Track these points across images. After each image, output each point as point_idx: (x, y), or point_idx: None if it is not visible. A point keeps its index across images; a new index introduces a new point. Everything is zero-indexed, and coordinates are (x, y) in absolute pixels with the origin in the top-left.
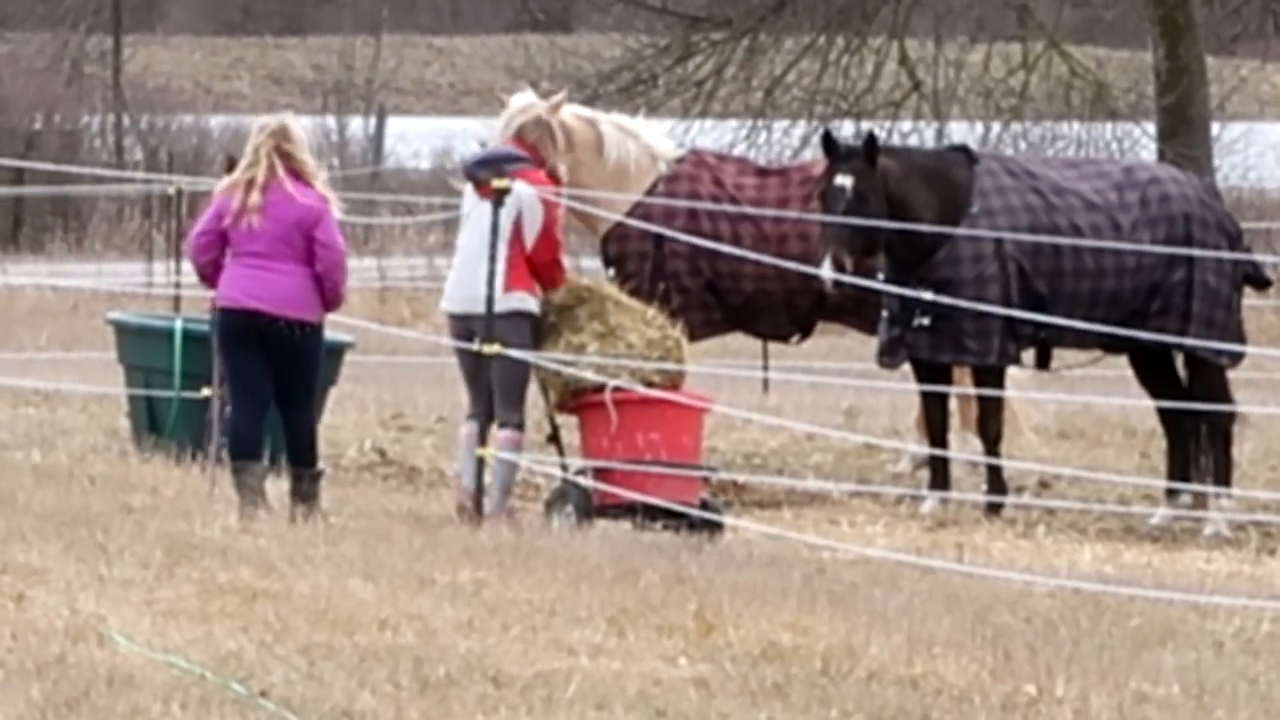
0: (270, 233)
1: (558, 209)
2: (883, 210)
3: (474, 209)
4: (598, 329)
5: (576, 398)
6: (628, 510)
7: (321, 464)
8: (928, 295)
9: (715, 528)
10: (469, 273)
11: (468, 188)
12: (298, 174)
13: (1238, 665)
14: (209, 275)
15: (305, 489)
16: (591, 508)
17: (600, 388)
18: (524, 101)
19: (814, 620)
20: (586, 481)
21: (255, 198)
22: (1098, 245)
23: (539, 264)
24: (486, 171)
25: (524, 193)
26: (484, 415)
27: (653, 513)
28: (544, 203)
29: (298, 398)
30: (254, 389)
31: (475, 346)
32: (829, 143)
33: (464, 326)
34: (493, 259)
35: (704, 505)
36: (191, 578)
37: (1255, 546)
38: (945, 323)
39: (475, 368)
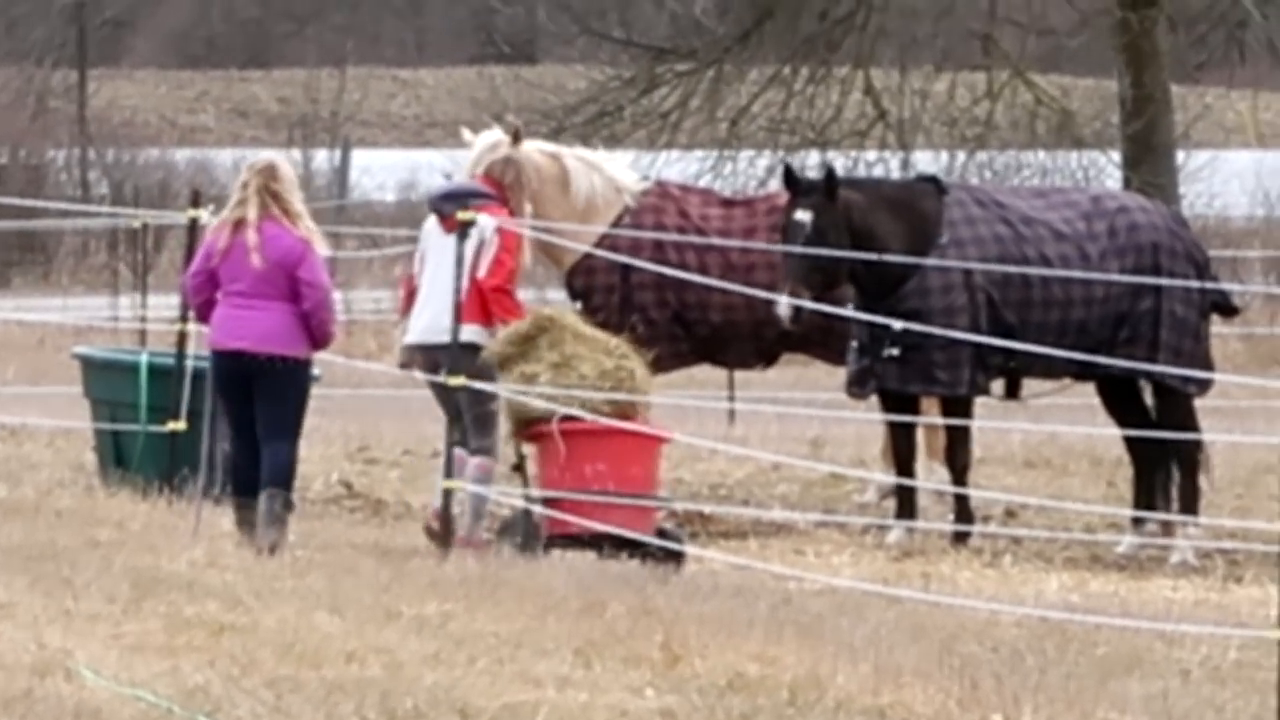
0: (254, 272)
1: (514, 238)
2: (844, 243)
3: (436, 242)
4: (553, 359)
5: (529, 427)
6: (579, 540)
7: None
8: (897, 324)
9: (676, 557)
10: (431, 305)
11: (429, 221)
12: (285, 214)
13: (1204, 694)
14: (205, 315)
15: (275, 511)
16: (537, 538)
17: (550, 417)
18: (492, 139)
19: (780, 650)
20: (539, 510)
21: (253, 237)
22: (1067, 275)
23: (487, 290)
24: (451, 205)
25: (487, 225)
26: (460, 443)
27: (614, 542)
28: (500, 231)
29: (279, 432)
30: (248, 428)
31: (441, 378)
32: (789, 177)
33: (429, 358)
34: (456, 291)
35: (663, 534)
36: (158, 611)
37: (1221, 574)
38: (915, 353)
39: (445, 398)
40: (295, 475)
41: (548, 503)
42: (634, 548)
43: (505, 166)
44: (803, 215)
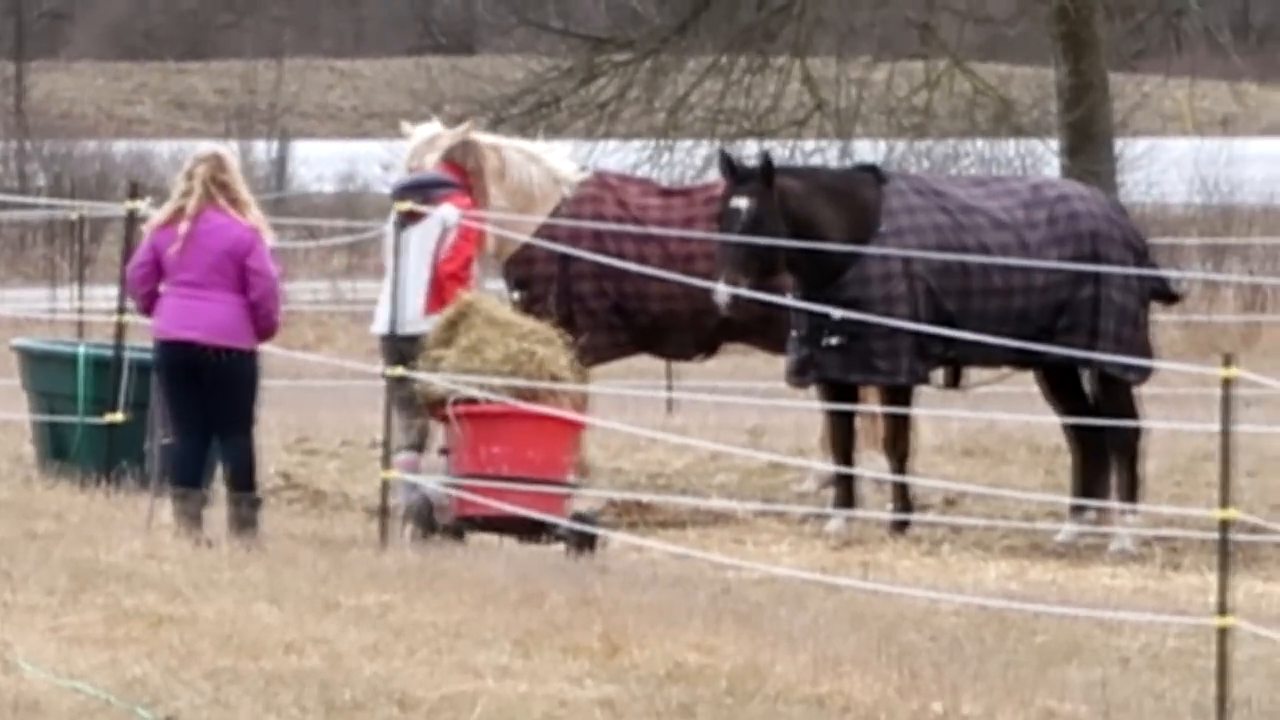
0: (203, 261)
1: (475, 231)
2: (781, 231)
3: (401, 234)
4: (463, 343)
5: (434, 409)
6: (488, 523)
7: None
8: (837, 313)
9: (589, 542)
10: (394, 295)
11: (392, 213)
12: (232, 203)
13: (1143, 681)
14: (148, 306)
15: (244, 515)
16: (432, 521)
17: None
18: (430, 131)
19: (720, 640)
20: (440, 492)
21: (184, 226)
22: (1006, 263)
23: (443, 276)
24: (413, 196)
25: (449, 216)
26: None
27: (526, 526)
28: (464, 225)
29: (234, 425)
30: (193, 419)
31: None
32: (727, 164)
33: (392, 349)
34: (396, 282)
35: (580, 519)
36: (97, 603)
37: (1160, 562)
38: (854, 342)
39: (396, 392)
40: (256, 471)
41: (467, 484)
42: (547, 531)
43: (465, 151)
44: (740, 202)
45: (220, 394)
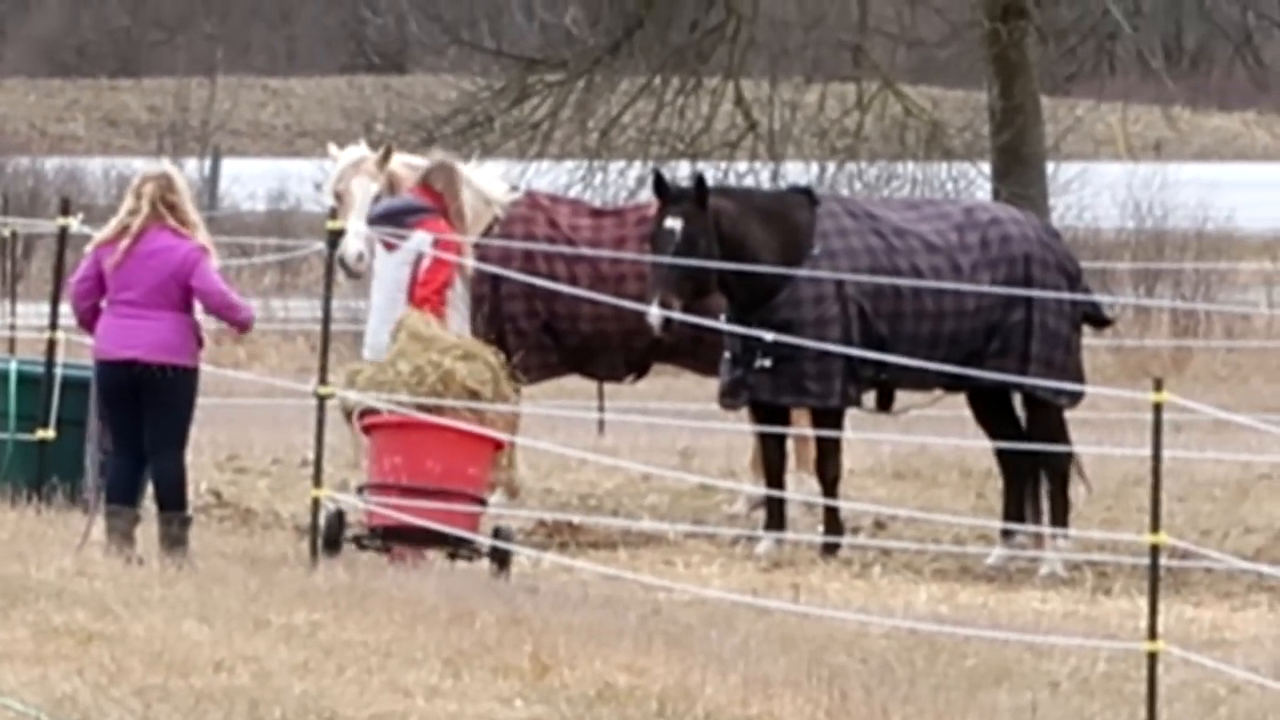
0: (146, 282)
1: (448, 249)
2: (714, 252)
3: (380, 262)
4: (384, 357)
5: (356, 420)
6: (397, 534)
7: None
8: (768, 335)
9: (503, 559)
10: (380, 323)
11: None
12: (182, 223)
13: (1073, 705)
14: (89, 322)
15: (175, 533)
16: (340, 535)
17: (367, 411)
18: (356, 154)
19: (650, 661)
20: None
21: (125, 242)
22: (938, 287)
23: (418, 301)
24: (388, 225)
25: (423, 242)
26: None
27: (435, 539)
28: (439, 244)
29: (167, 441)
30: (131, 437)
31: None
32: (660, 184)
33: None
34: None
35: (498, 534)
36: (26, 620)
37: (1091, 586)
38: (786, 364)
39: None
40: (187, 489)
41: (372, 495)
42: (458, 545)
43: (438, 173)
44: (672, 223)
45: (158, 410)
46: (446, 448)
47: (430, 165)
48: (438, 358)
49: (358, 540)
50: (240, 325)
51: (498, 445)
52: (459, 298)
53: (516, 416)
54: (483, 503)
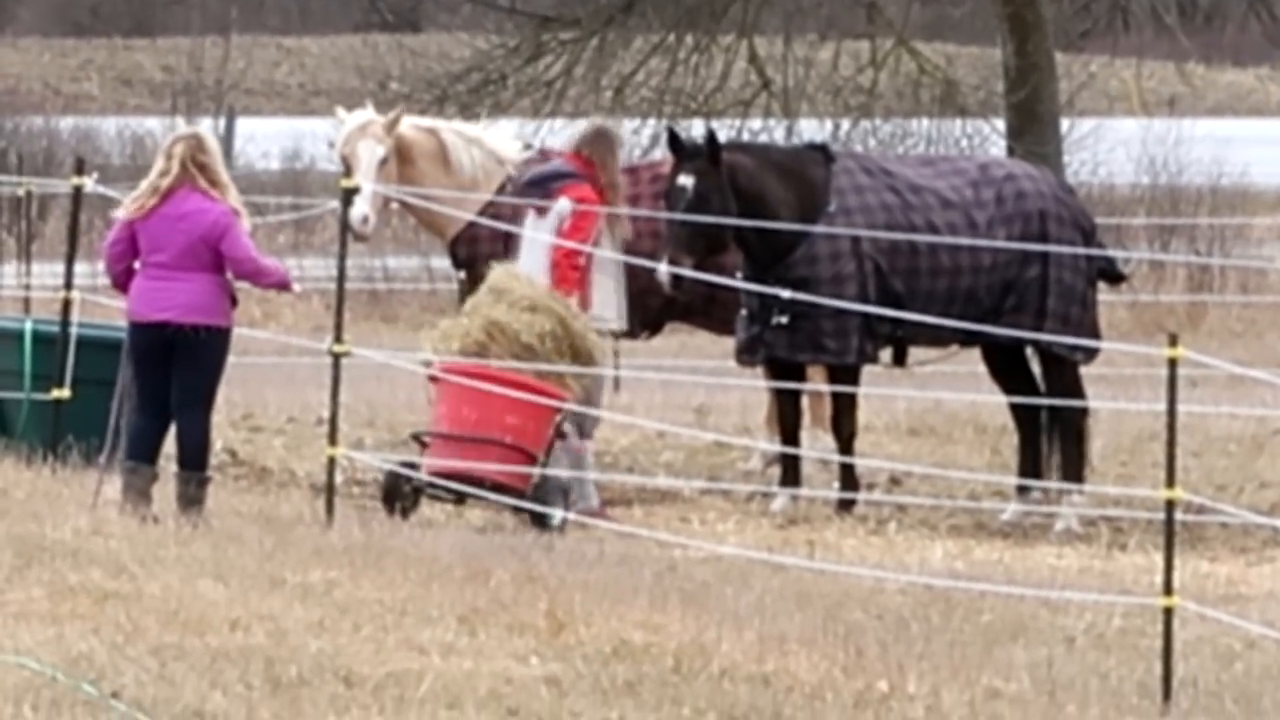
0: (177, 244)
1: (588, 216)
2: (728, 209)
3: (529, 228)
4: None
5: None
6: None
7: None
8: (784, 293)
9: (539, 519)
10: None
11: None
12: (212, 184)
13: (1089, 660)
14: (123, 284)
15: (193, 493)
16: (398, 492)
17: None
18: (363, 117)
19: (665, 618)
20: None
21: (152, 200)
22: (954, 243)
23: (558, 261)
24: (535, 192)
25: (564, 209)
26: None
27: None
28: (577, 213)
29: (195, 400)
30: (158, 400)
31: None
32: (674, 141)
33: None
34: (339, 277)
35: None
36: (42, 579)
37: (1106, 542)
38: (803, 321)
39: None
40: (209, 450)
41: (430, 447)
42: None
43: (592, 140)
44: (685, 180)
45: (188, 369)
46: (481, 396)
47: (585, 131)
48: (499, 310)
49: (416, 489)
50: (275, 288)
51: (553, 397)
52: (610, 263)
53: (590, 378)
54: (531, 456)
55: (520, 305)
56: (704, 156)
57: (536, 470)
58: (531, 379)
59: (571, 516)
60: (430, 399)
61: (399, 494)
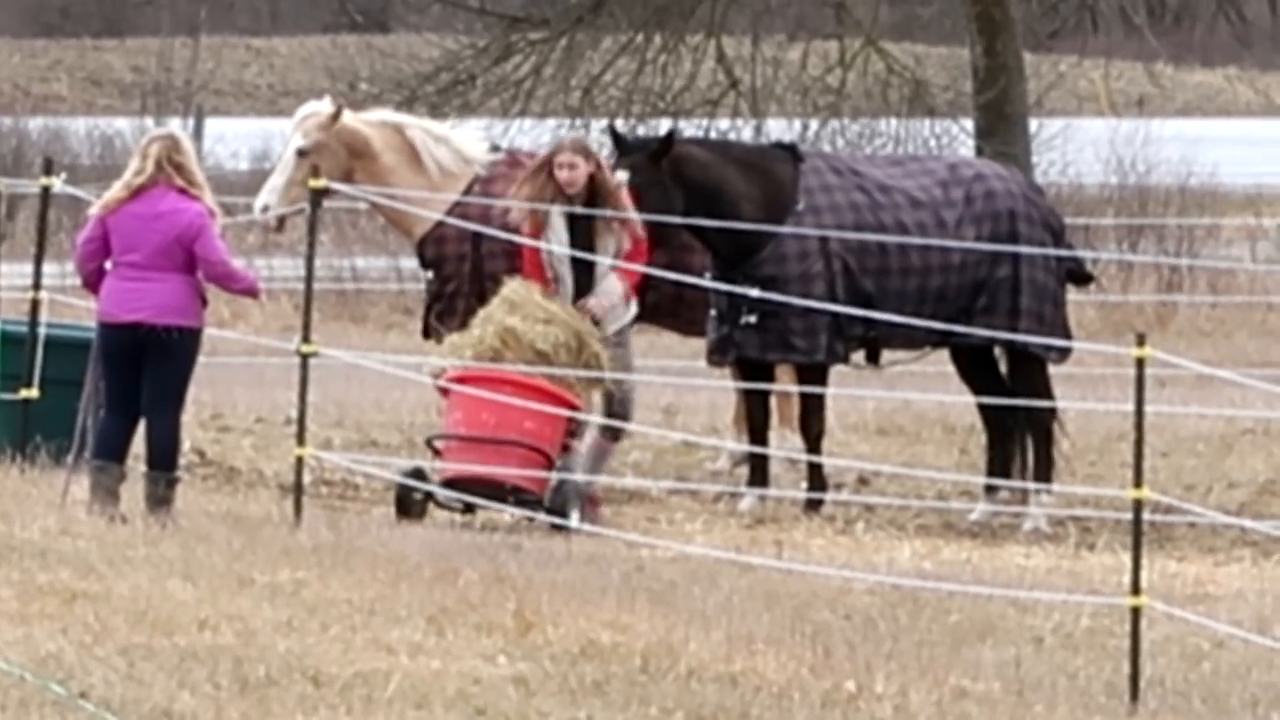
0: (153, 244)
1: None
2: (670, 203)
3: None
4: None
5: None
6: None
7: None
8: (753, 292)
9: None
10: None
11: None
12: (189, 184)
13: (1057, 660)
14: (94, 284)
15: (161, 493)
16: (411, 498)
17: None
18: (309, 108)
19: (633, 618)
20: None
21: (122, 194)
22: (924, 243)
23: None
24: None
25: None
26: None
27: (503, 495)
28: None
29: (165, 401)
30: (128, 400)
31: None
32: (615, 138)
33: None
34: (307, 277)
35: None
36: (11, 579)
37: (1074, 542)
38: (772, 320)
39: None
40: (179, 451)
41: (441, 454)
42: (524, 504)
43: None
44: (620, 176)
45: (159, 370)
46: (494, 405)
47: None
48: (514, 319)
49: (429, 497)
50: (243, 295)
51: (567, 403)
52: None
53: (584, 382)
54: (549, 459)
55: (535, 317)
56: (642, 152)
57: (554, 475)
58: (547, 383)
59: (587, 528)
60: (440, 409)
61: (410, 503)
